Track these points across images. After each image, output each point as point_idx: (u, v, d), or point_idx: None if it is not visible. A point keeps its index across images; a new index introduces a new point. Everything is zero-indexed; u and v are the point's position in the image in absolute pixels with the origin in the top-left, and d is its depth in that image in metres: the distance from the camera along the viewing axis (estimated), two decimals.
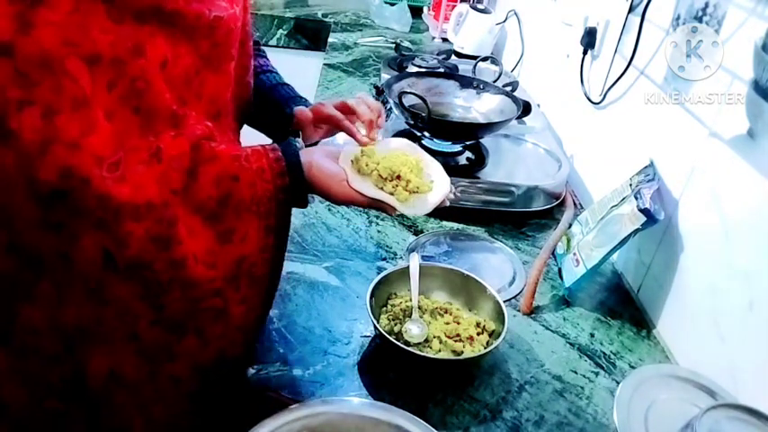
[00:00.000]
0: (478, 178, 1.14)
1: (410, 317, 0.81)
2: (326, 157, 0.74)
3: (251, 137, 0.91)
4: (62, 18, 0.52)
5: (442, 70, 1.58)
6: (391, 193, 0.74)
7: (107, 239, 0.58)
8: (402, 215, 1.10)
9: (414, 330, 0.79)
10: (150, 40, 0.59)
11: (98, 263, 0.60)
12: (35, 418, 0.70)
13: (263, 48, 0.98)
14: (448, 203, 0.79)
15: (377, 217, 1.09)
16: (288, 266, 0.93)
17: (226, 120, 0.75)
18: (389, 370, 0.77)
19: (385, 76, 1.48)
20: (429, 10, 2.37)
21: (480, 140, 1.25)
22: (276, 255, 0.72)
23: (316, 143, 0.87)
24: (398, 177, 0.75)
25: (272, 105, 0.90)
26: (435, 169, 0.80)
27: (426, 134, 1.19)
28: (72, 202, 0.56)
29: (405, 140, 0.83)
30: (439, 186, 0.78)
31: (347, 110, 0.83)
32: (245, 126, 0.90)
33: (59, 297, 0.62)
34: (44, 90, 0.52)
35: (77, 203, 0.56)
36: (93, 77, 0.55)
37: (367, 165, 0.74)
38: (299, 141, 0.74)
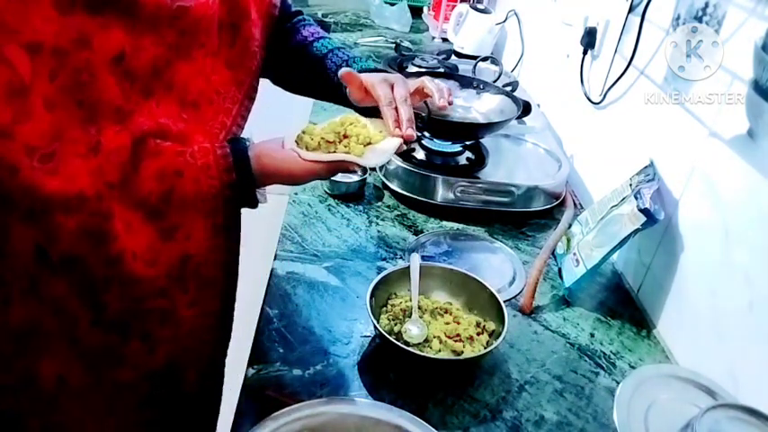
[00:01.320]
0: (478, 178, 1.14)
1: (410, 317, 0.81)
2: (273, 146, 0.72)
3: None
4: (2, 5, 0.52)
5: (442, 70, 1.58)
6: (346, 153, 0.72)
7: (38, 233, 0.58)
8: (402, 215, 1.11)
9: (413, 331, 0.79)
10: (101, 31, 0.57)
11: (30, 257, 0.59)
12: None
13: (307, 17, 0.94)
14: (405, 147, 0.75)
15: (377, 217, 1.09)
16: (288, 266, 0.93)
17: (213, 107, 0.73)
18: (389, 370, 0.77)
19: None
20: (429, 10, 2.37)
21: (480, 140, 1.25)
22: (228, 257, 0.69)
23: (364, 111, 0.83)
24: (345, 136, 0.73)
25: (324, 74, 0.87)
26: (381, 122, 0.77)
27: (426, 134, 1.19)
28: (0, 192, 0.55)
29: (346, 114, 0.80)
30: (390, 135, 0.75)
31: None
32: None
33: (5, 297, 0.61)
34: None
35: (6, 193, 0.55)
36: (33, 66, 0.54)
37: (312, 138, 0.73)
38: (251, 140, 0.72)
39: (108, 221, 0.60)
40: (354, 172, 0.73)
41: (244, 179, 0.68)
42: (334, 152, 0.72)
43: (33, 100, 0.54)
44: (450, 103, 0.80)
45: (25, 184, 0.55)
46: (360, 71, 0.82)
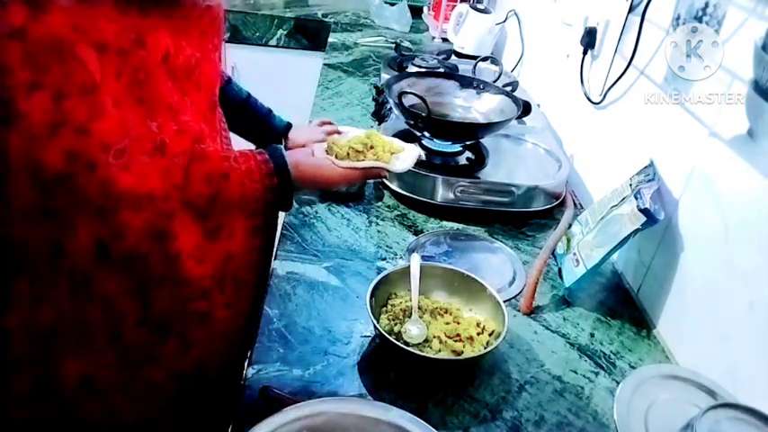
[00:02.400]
0: (478, 178, 1.14)
1: (410, 317, 0.81)
2: (307, 155, 0.79)
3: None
4: (73, 5, 0.53)
5: (442, 70, 1.58)
6: (375, 160, 0.81)
7: (103, 229, 0.59)
8: (402, 215, 1.11)
9: (413, 331, 0.79)
10: (152, 32, 0.60)
11: (91, 254, 0.60)
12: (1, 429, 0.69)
13: None
14: (423, 157, 0.88)
15: (377, 217, 1.09)
16: (288, 266, 0.93)
17: (218, 109, 0.77)
18: (389, 370, 0.77)
19: (385, 76, 1.48)
20: (429, 10, 2.37)
21: (480, 140, 1.25)
22: (261, 260, 0.72)
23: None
24: (371, 147, 0.82)
25: (257, 117, 1.02)
26: (396, 140, 0.88)
27: (426, 134, 1.19)
28: (74, 187, 0.56)
29: (360, 129, 0.92)
30: (410, 146, 0.86)
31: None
32: None
33: (36, 297, 0.62)
34: (54, 74, 0.53)
35: (79, 189, 0.56)
36: (102, 65, 0.55)
37: (341, 149, 0.81)
38: (282, 148, 0.77)
39: (171, 221, 0.62)
40: (385, 177, 0.82)
41: (283, 183, 0.72)
42: (365, 160, 0.81)
43: (103, 98, 0.56)
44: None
45: (101, 179, 0.57)
46: (279, 122, 1.07)
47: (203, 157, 0.66)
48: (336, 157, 0.80)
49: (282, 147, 0.78)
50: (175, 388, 0.72)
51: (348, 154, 0.80)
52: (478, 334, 0.80)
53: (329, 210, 1.09)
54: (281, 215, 1.06)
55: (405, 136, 1.24)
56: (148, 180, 0.60)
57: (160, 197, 0.61)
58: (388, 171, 0.83)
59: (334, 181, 0.79)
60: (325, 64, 1.83)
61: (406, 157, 0.84)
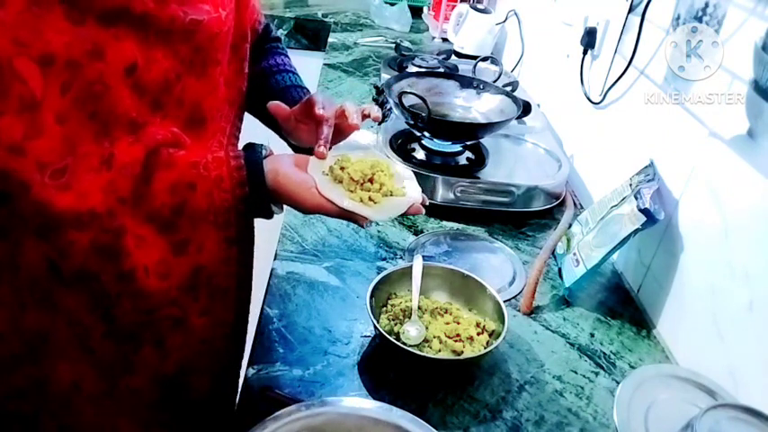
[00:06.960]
0: (478, 178, 1.14)
1: (410, 317, 0.81)
2: (294, 165, 0.70)
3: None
4: (12, 18, 0.50)
5: (442, 70, 1.58)
6: (361, 199, 0.71)
7: (50, 248, 0.57)
8: (402, 215, 1.10)
9: (411, 333, 0.78)
10: (114, 43, 0.56)
11: (43, 271, 0.58)
12: (2, 420, 0.69)
13: (283, 47, 0.94)
14: (423, 212, 0.75)
15: None
16: (288, 266, 0.93)
17: (213, 125, 0.72)
18: (389, 370, 0.77)
19: (385, 76, 1.48)
20: (429, 10, 2.37)
21: (480, 140, 1.25)
22: (240, 268, 0.69)
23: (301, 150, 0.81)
24: (371, 181, 0.72)
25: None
26: (407, 176, 0.78)
27: (426, 134, 1.19)
28: (12, 207, 0.54)
29: (376, 152, 0.79)
30: (411, 192, 0.75)
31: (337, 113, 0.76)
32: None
33: (20, 302, 0.61)
34: None
35: (18, 209, 0.54)
36: (45, 79, 0.53)
37: (338, 170, 0.72)
38: (267, 147, 0.70)
39: (120, 238, 0.59)
40: (361, 226, 0.73)
41: (257, 193, 0.66)
42: (353, 191, 0.71)
43: (44, 114, 0.53)
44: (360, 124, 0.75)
45: (37, 201, 0.54)
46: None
47: (169, 165, 0.62)
48: (335, 177, 0.71)
49: (266, 146, 0.70)
50: (160, 393, 0.71)
51: (342, 179, 0.71)
52: (478, 334, 0.80)
53: None
54: (282, 215, 1.06)
55: (406, 137, 1.25)
56: (89, 197, 0.57)
57: (103, 214, 0.57)
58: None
59: (308, 206, 0.69)
60: (325, 64, 1.83)
61: (399, 203, 0.74)
